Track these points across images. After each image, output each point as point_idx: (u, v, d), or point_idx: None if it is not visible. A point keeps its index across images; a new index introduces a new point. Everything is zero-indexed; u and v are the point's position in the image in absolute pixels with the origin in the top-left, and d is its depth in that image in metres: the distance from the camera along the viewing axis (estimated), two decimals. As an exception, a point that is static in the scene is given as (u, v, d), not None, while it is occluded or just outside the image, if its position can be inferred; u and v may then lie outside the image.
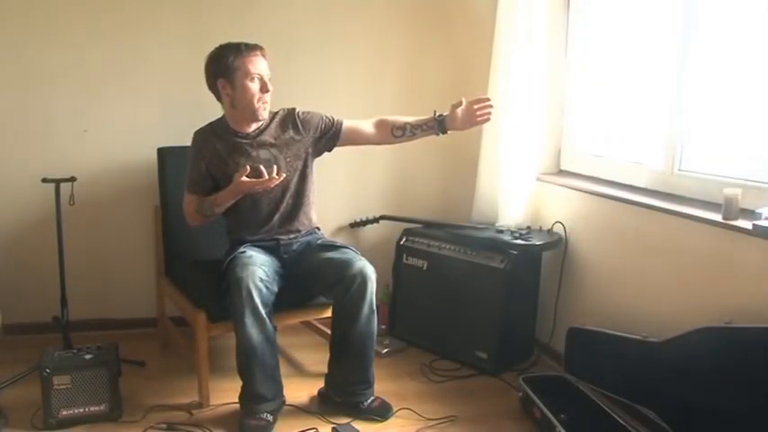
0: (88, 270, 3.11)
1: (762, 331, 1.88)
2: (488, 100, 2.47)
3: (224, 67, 2.40)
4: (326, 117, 2.58)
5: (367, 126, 2.60)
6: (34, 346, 2.61)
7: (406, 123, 2.57)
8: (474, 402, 2.61)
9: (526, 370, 2.86)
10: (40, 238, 2.95)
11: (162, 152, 2.90)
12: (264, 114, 2.48)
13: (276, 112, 2.56)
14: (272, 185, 2.36)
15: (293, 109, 2.58)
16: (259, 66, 2.42)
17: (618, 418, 2.28)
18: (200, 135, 2.54)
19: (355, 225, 3.32)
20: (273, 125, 2.54)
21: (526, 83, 2.87)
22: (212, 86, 2.47)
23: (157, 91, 3.07)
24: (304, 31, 3.18)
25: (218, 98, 2.50)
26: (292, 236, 2.58)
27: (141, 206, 3.07)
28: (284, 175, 2.40)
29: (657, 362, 2.19)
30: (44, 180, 2.64)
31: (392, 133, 2.58)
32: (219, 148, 2.49)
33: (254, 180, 2.33)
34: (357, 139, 2.61)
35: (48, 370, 2.29)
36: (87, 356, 2.37)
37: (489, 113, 2.48)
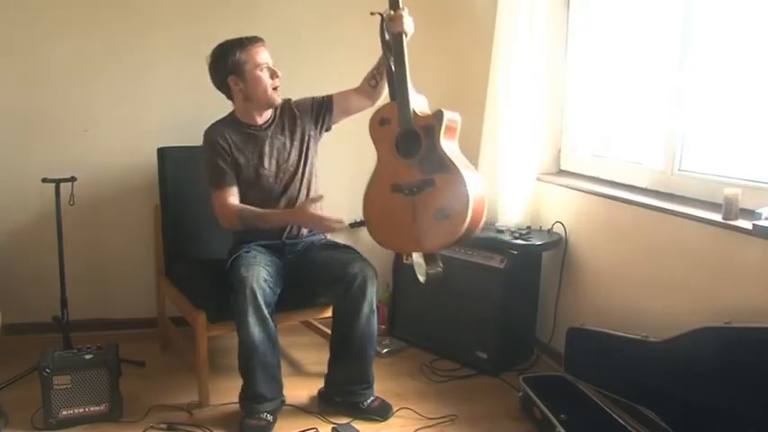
0: (88, 270, 3.11)
1: (762, 331, 1.88)
2: None
3: (231, 63, 2.43)
4: (317, 96, 2.64)
5: (352, 91, 2.65)
6: (34, 346, 2.61)
7: (371, 70, 2.62)
8: (474, 402, 2.61)
9: (526, 370, 2.86)
10: (39, 238, 2.95)
11: (162, 152, 2.90)
12: (279, 99, 2.52)
13: (282, 103, 2.61)
14: (332, 229, 2.44)
15: (288, 99, 2.63)
16: (264, 56, 2.47)
17: (618, 418, 2.28)
18: (213, 129, 2.54)
19: (355, 225, 3.30)
20: (278, 115, 2.60)
21: (526, 83, 2.87)
22: (221, 85, 2.49)
23: (158, 91, 3.07)
24: (304, 31, 3.18)
25: (229, 96, 2.52)
26: (299, 237, 2.60)
27: (141, 206, 3.07)
28: (346, 223, 2.42)
29: (657, 362, 2.19)
30: (44, 180, 2.64)
31: (369, 85, 2.62)
32: (235, 139, 2.51)
33: (318, 216, 2.40)
34: (349, 105, 2.65)
35: (48, 370, 2.29)
36: (87, 356, 2.37)
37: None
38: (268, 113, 2.57)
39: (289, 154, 2.55)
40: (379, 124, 2.37)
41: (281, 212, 2.50)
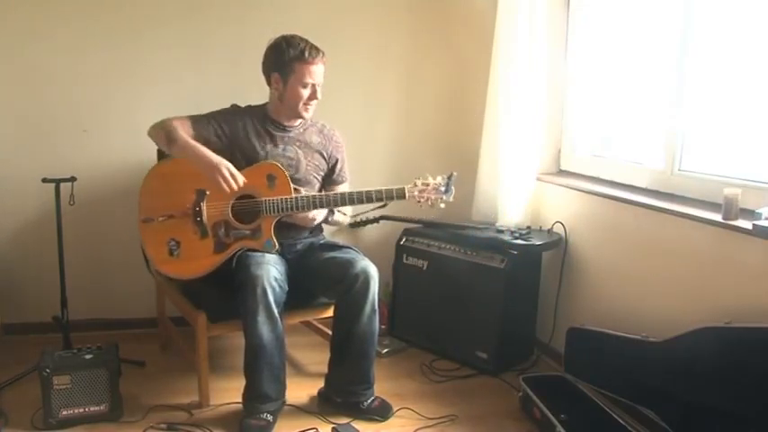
0: (88, 270, 3.10)
1: (762, 331, 1.88)
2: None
3: (282, 63, 2.45)
4: (343, 168, 2.71)
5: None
6: (34, 346, 2.61)
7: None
8: (474, 402, 2.61)
9: (526, 370, 2.86)
10: (40, 238, 2.95)
11: (162, 152, 2.89)
12: (307, 115, 2.55)
13: (324, 125, 2.66)
14: (225, 188, 2.33)
15: (337, 133, 2.68)
16: (316, 75, 2.47)
17: (618, 419, 2.28)
18: (237, 109, 2.57)
19: (355, 225, 3.31)
20: (313, 131, 2.62)
21: (526, 83, 2.87)
22: (266, 74, 2.53)
23: (157, 91, 3.07)
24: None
25: (269, 84, 2.54)
26: (297, 238, 2.60)
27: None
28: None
29: (657, 362, 2.19)
30: (44, 180, 2.64)
31: None
32: (251, 128, 2.53)
33: (227, 175, 2.31)
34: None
35: (48, 370, 2.29)
36: (87, 356, 2.37)
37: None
38: (296, 121, 2.59)
39: (297, 169, 2.55)
40: (266, 177, 2.43)
41: (205, 151, 2.35)
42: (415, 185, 2.44)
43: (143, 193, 2.53)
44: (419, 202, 2.44)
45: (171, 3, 3.03)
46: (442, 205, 2.48)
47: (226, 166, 2.33)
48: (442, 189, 2.44)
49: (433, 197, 2.44)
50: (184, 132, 2.41)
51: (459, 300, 2.89)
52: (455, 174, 2.46)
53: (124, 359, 2.60)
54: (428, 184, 2.44)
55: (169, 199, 2.47)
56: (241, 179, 2.34)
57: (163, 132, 2.41)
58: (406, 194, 2.42)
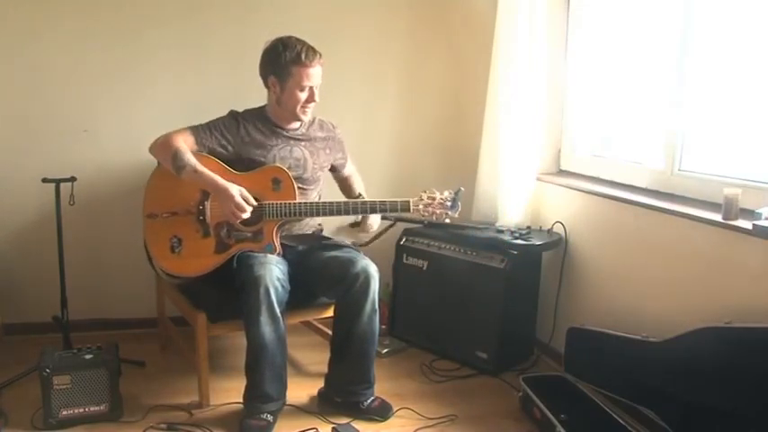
0: (88, 270, 3.10)
1: (762, 331, 1.88)
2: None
3: (279, 67, 2.45)
4: (344, 159, 2.75)
5: (346, 184, 2.81)
6: (34, 346, 2.61)
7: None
8: (474, 402, 2.61)
9: (526, 370, 2.86)
10: (39, 238, 2.95)
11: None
12: (306, 118, 2.56)
13: (321, 120, 2.67)
14: (233, 218, 2.38)
15: (337, 129, 2.70)
16: (313, 77, 2.47)
17: (618, 419, 2.28)
18: (236, 115, 2.56)
19: (355, 225, 3.31)
20: (315, 128, 2.64)
21: (526, 83, 2.87)
22: (263, 77, 2.53)
23: (157, 91, 3.07)
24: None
25: (266, 87, 2.54)
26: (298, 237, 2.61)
27: (141, 206, 3.04)
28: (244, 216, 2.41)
29: (657, 362, 2.19)
30: (44, 180, 2.64)
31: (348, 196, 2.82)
32: (255, 133, 2.53)
33: (240, 203, 2.34)
34: (339, 182, 2.84)
35: (48, 370, 2.29)
36: (87, 356, 2.37)
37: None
38: (296, 123, 2.59)
39: (304, 169, 2.57)
40: (272, 181, 2.45)
41: (213, 177, 2.37)
42: (421, 199, 2.43)
43: (149, 189, 2.54)
44: (423, 216, 2.44)
45: (171, 3, 3.03)
46: (447, 220, 2.47)
47: (230, 195, 2.34)
48: (449, 204, 2.43)
49: (438, 212, 2.43)
50: (188, 149, 2.42)
51: (460, 300, 2.89)
52: (462, 189, 2.45)
53: (124, 359, 2.60)
54: (434, 199, 2.43)
55: (174, 196, 2.48)
56: (250, 209, 2.36)
57: (168, 156, 2.41)
58: (411, 208, 2.43)
